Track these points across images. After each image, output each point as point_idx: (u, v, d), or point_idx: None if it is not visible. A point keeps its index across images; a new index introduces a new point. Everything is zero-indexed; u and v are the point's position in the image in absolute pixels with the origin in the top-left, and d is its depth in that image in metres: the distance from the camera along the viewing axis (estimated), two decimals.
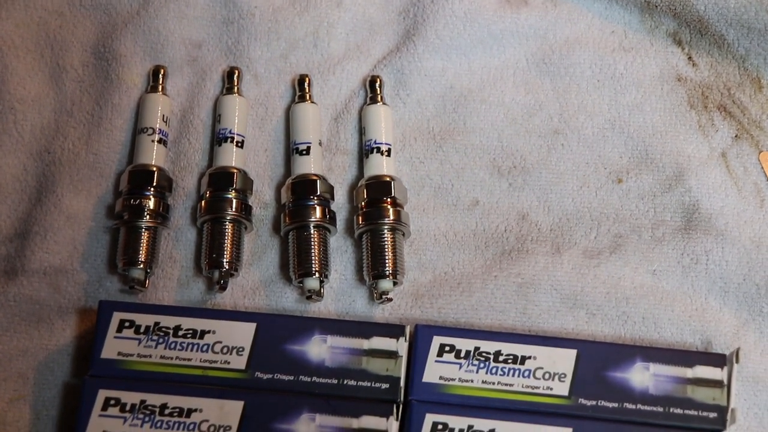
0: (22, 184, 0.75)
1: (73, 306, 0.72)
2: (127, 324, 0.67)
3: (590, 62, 0.80)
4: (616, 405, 0.65)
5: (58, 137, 0.76)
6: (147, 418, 0.65)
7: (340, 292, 0.72)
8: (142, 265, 0.70)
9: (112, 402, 0.65)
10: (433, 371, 0.66)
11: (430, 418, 0.64)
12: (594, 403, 0.65)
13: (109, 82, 0.77)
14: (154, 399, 0.65)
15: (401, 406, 0.65)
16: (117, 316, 0.67)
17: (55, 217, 0.73)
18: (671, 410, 0.65)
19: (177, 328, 0.67)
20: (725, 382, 0.65)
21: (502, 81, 0.80)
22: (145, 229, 0.71)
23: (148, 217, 0.71)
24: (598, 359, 0.66)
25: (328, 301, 0.72)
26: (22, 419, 0.68)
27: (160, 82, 0.77)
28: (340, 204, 0.75)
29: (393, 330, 0.66)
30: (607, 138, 0.78)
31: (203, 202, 0.72)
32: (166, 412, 0.65)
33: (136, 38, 0.79)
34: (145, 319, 0.67)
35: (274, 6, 0.80)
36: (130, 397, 0.65)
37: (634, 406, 0.65)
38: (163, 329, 0.67)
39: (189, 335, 0.66)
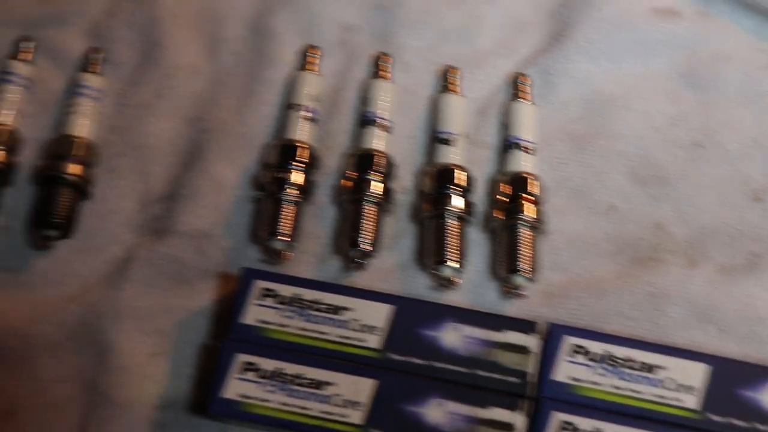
0: (175, 148, 0.77)
1: (215, 270, 0.73)
2: (268, 292, 0.68)
3: (737, 78, 0.80)
4: (747, 425, 0.64)
5: (211, 106, 0.78)
6: (282, 386, 0.66)
7: (472, 283, 0.73)
8: (284, 238, 0.72)
9: (250, 366, 0.66)
10: (564, 371, 0.66)
11: (557, 417, 0.65)
12: (725, 420, 0.65)
13: (262, 57, 0.79)
14: (291, 368, 0.67)
15: (529, 402, 0.65)
16: (258, 284, 0.68)
17: (203, 182, 0.75)
18: None
19: (316, 301, 0.68)
20: None
21: (647, 89, 0.80)
22: (290, 202, 0.72)
23: (293, 190, 0.72)
24: (730, 376, 0.65)
25: (460, 291, 0.72)
26: (160, 374, 0.70)
27: (313, 61, 0.78)
28: (476, 197, 0.75)
29: (525, 326, 0.67)
30: (749, 155, 0.77)
31: (346, 181, 0.73)
32: (301, 382, 0.66)
33: (292, 16, 0.81)
34: (285, 290, 0.68)
35: None
36: (267, 364, 0.67)
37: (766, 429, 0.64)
38: (303, 301, 0.68)
39: (327, 310, 0.68)
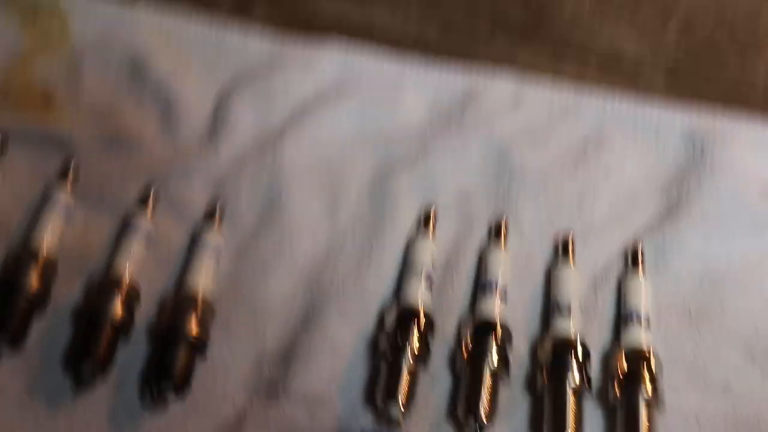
0: (291, 307, 0.77)
1: None
2: None
3: None
4: None
5: (329, 267, 0.78)
6: None
7: None
8: (401, 404, 0.71)
9: None
10: None
11: None
12: None
13: (382, 219, 0.80)
14: None
15: None
16: None
17: (319, 344, 0.75)
18: None
19: None
20: None
21: (761, 268, 0.79)
22: (408, 368, 0.72)
23: (411, 357, 0.72)
24: None
25: None
26: None
27: (431, 225, 0.78)
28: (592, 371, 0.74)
29: None
30: None
31: (465, 349, 0.73)
32: None
33: (412, 179, 0.81)
34: None
35: (544, 168, 0.81)
36: None
37: None
38: None
39: None
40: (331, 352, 0.75)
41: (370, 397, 0.74)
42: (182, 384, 0.73)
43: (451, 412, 0.74)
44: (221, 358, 0.75)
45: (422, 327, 0.74)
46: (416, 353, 0.73)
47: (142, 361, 0.75)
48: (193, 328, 0.74)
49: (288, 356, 0.76)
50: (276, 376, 0.75)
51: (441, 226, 0.81)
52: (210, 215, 0.81)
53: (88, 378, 0.73)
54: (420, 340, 0.74)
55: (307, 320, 0.77)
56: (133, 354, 0.75)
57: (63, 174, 0.82)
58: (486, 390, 0.72)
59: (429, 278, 0.77)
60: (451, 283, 0.79)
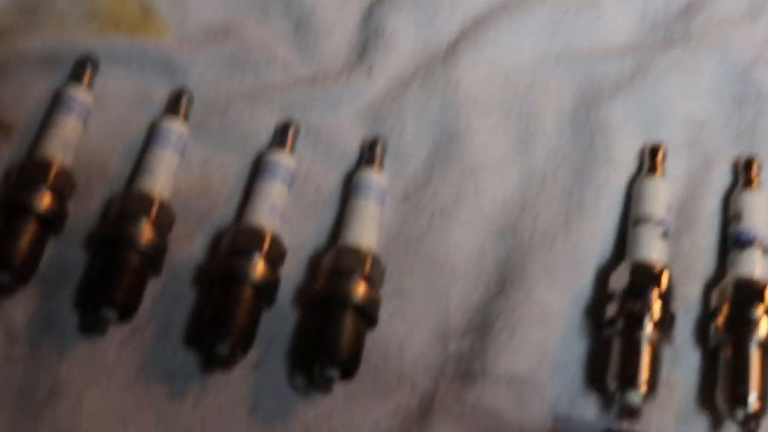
0: (477, 266, 0.66)
1: (538, 428, 0.61)
2: None
3: None
4: None
5: (526, 215, 0.67)
6: None
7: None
8: (642, 389, 0.59)
9: None
10: None
11: None
12: None
13: (593, 157, 0.69)
14: None
15: None
16: None
17: (521, 312, 0.64)
18: None
19: None
20: None
21: None
22: (647, 343, 0.60)
23: (651, 327, 0.60)
24: None
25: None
26: None
27: (659, 163, 0.67)
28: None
29: None
30: None
31: (723, 319, 0.61)
32: None
33: (627, 108, 0.71)
34: None
35: None
36: None
37: None
38: None
39: None
40: (539, 322, 0.64)
41: (594, 379, 0.63)
42: (352, 363, 0.61)
43: (704, 398, 0.63)
44: (394, 331, 0.64)
45: (663, 289, 0.63)
46: (659, 324, 0.61)
47: (291, 335, 0.64)
48: (360, 292, 0.63)
49: (482, 328, 0.64)
50: (468, 352, 0.64)
51: (669, 165, 0.70)
52: (367, 152, 0.70)
53: (227, 354, 0.61)
54: (662, 307, 0.62)
55: (504, 282, 0.66)
56: (278, 324, 0.64)
57: (173, 104, 0.71)
58: (755, 370, 0.61)
59: (664, 228, 0.66)
60: (689, 234, 0.67)
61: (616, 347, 0.61)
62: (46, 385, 0.61)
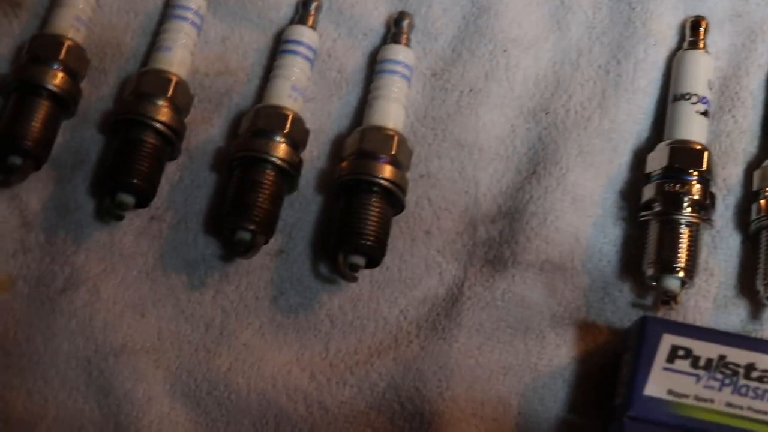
0: (508, 148, 0.63)
1: (571, 317, 0.59)
2: (681, 353, 0.53)
3: None
4: None
5: (560, 94, 0.64)
6: None
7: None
8: (680, 274, 0.57)
9: None
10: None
11: None
12: None
13: (630, 32, 0.65)
14: None
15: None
16: (668, 340, 0.53)
17: (557, 196, 0.61)
18: None
19: (750, 367, 0.53)
20: None
21: None
22: (686, 225, 0.57)
23: (690, 210, 0.57)
24: None
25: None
26: None
27: (701, 37, 0.63)
28: None
29: None
30: None
31: (765, 202, 0.58)
32: None
33: None
34: (705, 349, 0.53)
35: None
36: None
37: None
38: (731, 366, 0.53)
39: (764, 379, 0.52)
40: (572, 207, 0.61)
41: (629, 266, 0.60)
42: (376, 250, 0.59)
43: (744, 285, 0.60)
44: (420, 215, 0.62)
45: (703, 170, 0.60)
46: (698, 206, 0.58)
47: (315, 222, 0.62)
48: (386, 173, 0.60)
49: (513, 213, 0.62)
50: (497, 239, 0.61)
51: (711, 39, 0.66)
52: (392, 28, 0.66)
53: (249, 241, 0.59)
54: (702, 189, 0.59)
55: (536, 165, 0.63)
56: (301, 211, 0.62)
57: None
58: None
59: (705, 106, 0.62)
60: (731, 113, 0.64)
61: (653, 231, 0.59)
62: (62, 274, 0.59)
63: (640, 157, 0.62)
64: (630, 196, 0.61)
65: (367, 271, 0.60)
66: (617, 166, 0.62)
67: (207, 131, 0.63)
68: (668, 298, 0.58)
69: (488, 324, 0.59)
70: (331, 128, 0.64)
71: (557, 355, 0.58)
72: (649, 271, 0.58)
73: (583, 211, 0.61)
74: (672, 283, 0.57)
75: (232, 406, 0.57)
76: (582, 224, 0.61)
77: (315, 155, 0.63)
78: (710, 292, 0.60)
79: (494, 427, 0.57)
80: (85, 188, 0.62)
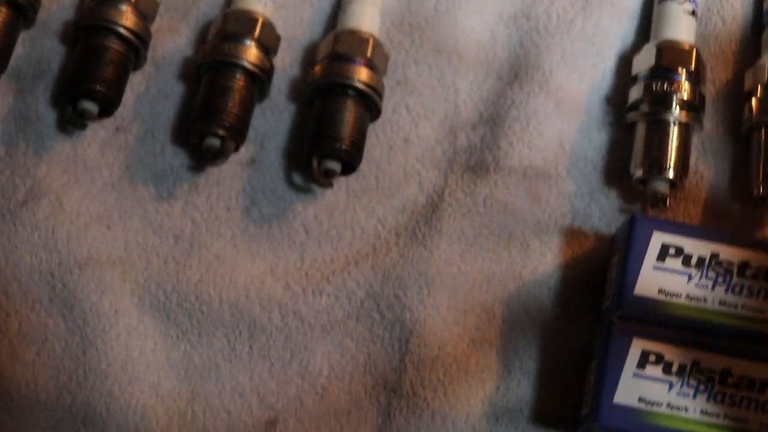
0: (488, 54, 0.61)
1: (556, 224, 0.57)
2: (671, 251, 0.51)
3: None
4: None
5: None
6: (701, 387, 0.49)
7: None
8: (670, 175, 0.55)
9: (652, 358, 0.49)
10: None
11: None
12: None
13: None
14: (714, 362, 0.49)
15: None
16: (658, 238, 0.51)
17: (540, 101, 0.59)
18: None
19: (743, 265, 0.51)
20: None
21: None
22: (676, 125, 0.55)
23: (679, 109, 0.55)
24: None
25: None
26: (487, 368, 0.53)
27: None
28: None
29: None
30: None
31: (757, 102, 0.56)
32: (733, 382, 0.49)
33: None
34: (697, 247, 0.51)
35: None
36: (677, 354, 0.50)
37: None
38: (724, 264, 0.51)
39: (758, 276, 0.50)
40: (556, 112, 0.60)
41: (615, 171, 0.58)
42: (352, 154, 0.57)
43: (736, 187, 0.58)
44: (399, 124, 0.60)
45: (692, 70, 0.57)
46: (687, 106, 0.56)
47: (288, 131, 0.59)
48: (362, 76, 0.58)
49: (494, 119, 0.60)
50: (479, 145, 0.59)
51: None
52: None
53: (219, 147, 0.57)
54: (691, 88, 0.57)
55: (518, 71, 0.61)
56: (273, 120, 0.60)
57: None
58: None
59: (693, 6, 0.60)
60: (720, 12, 0.62)
61: (640, 132, 0.57)
62: (24, 186, 0.57)
63: (625, 61, 0.61)
64: (615, 101, 0.60)
65: (343, 179, 0.57)
66: (602, 71, 0.61)
67: (174, 40, 0.61)
68: (657, 201, 0.55)
69: (470, 231, 0.56)
70: (304, 36, 0.61)
71: (542, 262, 0.56)
72: (638, 173, 0.56)
73: (567, 116, 0.59)
74: (661, 185, 0.56)
75: (204, 318, 0.55)
76: (566, 129, 0.59)
77: (287, 63, 0.61)
78: (700, 197, 0.58)
79: (477, 336, 0.55)
80: (46, 99, 0.59)
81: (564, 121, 0.59)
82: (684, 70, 0.57)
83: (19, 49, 0.60)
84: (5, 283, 0.55)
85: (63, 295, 0.55)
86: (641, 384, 0.49)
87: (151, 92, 0.59)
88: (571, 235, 0.57)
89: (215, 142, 0.56)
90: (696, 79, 0.57)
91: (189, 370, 0.54)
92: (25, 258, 0.56)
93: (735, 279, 0.51)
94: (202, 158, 0.57)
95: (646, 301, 0.51)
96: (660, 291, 0.51)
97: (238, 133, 0.56)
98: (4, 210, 0.56)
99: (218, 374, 0.54)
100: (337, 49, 0.58)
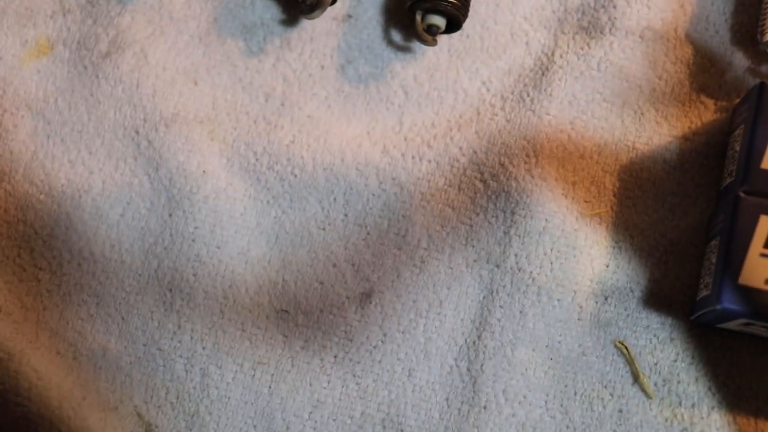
0: None
1: (672, 91, 0.54)
2: None
3: None
4: None
5: None
6: None
7: None
8: None
9: None
10: None
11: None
12: None
13: None
14: None
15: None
16: None
17: None
18: None
19: None
20: None
21: None
22: None
23: None
24: None
25: None
26: (597, 244, 0.51)
27: None
28: None
29: None
30: None
31: None
32: None
33: None
34: None
35: None
36: None
37: None
38: None
39: None
40: None
41: (740, 35, 0.54)
42: (458, 10, 0.53)
43: None
44: None
45: None
46: None
47: None
48: None
49: None
50: (593, 3, 0.56)
51: None
52: None
53: None
54: None
55: None
56: None
57: None
58: None
59: None
60: None
61: None
62: (107, 37, 0.53)
63: None
64: None
65: (445, 38, 0.53)
66: None
67: None
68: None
69: (582, 96, 0.52)
70: None
71: (658, 133, 0.52)
72: (765, 38, 0.51)
73: None
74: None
75: (296, 182, 0.52)
76: None
77: None
78: None
79: (587, 209, 0.51)
80: None
81: None
82: None
83: None
84: (88, 139, 0.52)
85: (148, 153, 0.52)
86: None
87: None
88: (690, 104, 0.53)
89: None
90: None
91: (280, 237, 0.52)
92: (108, 113, 0.53)
93: None
94: (295, 11, 0.53)
95: None
96: None
97: None
98: (86, 61, 0.53)
99: (311, 242, 0.51)
100: None
